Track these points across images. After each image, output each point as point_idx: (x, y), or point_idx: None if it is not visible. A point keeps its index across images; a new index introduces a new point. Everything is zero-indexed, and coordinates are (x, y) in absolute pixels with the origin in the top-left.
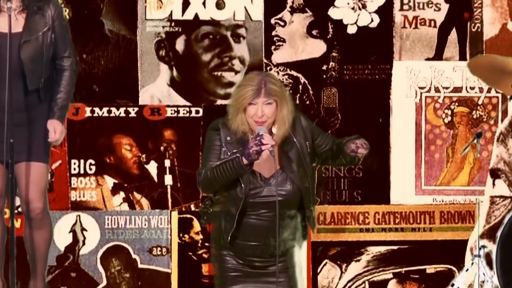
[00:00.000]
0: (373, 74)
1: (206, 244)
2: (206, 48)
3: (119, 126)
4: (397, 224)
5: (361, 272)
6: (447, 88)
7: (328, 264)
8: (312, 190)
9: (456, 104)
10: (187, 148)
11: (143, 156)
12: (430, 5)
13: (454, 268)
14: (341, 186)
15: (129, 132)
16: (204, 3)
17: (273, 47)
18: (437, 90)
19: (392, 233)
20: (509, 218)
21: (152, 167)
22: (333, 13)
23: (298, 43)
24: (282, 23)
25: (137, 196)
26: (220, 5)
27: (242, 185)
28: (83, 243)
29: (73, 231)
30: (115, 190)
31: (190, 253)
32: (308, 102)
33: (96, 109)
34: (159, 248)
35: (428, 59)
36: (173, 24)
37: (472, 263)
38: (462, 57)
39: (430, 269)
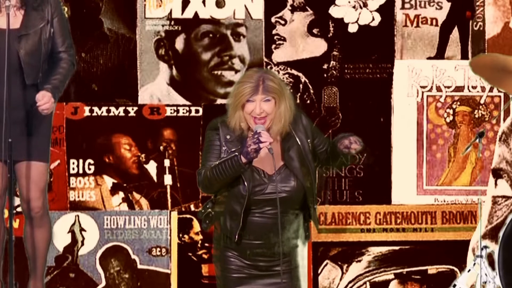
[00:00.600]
0: (374, 73)
1: (206, 244)
2: (206, 47)
3: (118, 126)
4: (398, 224)
5: (362, 273)
6: (449, 87)
7: (329, 265)
8: (314, 189)
9: (458, 103)
10: (187, 147)
11: (143, 155)
12: (431, 4)
13: (456, 269)
14: (342, 186)
15: (129, 132)
16: (204, 2)
17: (273, 46)
18: (438, 89)
19: (393, 233)
20: (511, 218)
21: (151, 167)
22: (334, 11)
23: (299, 42)
24: (283, 22)
25: (137, 196)
26: (220, 4)
27: (245, 183)
28: (82, 244)
29: (72, 231)
30: (114, 190)
31: (190, 254)
32: (308, 101)
33: (95, 109)
34: (158, 249)
35: (429, 58)
36: (172, 22)
37: (474, 264)
38: (464, 56)
39: (432, 269)
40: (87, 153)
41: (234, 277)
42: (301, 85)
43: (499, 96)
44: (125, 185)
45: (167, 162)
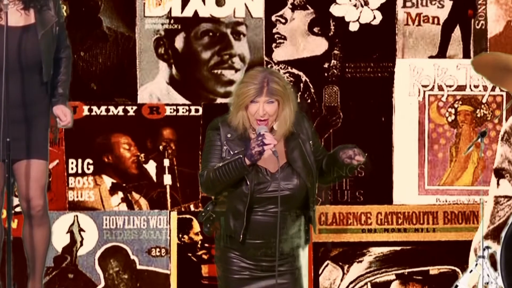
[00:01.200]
0: (376, 72)
1: (206, 245)
2: (206, 46)
3: (117, 125)
4: (400, 224)
5: (363, 273)
6: (450, 86)
7: (330, 265)
8: (314, 190)
9: (460, 102)
10: (187, 147)
11: (142, 155)
12: (433, 2)
13: (457, 269)
14: (343, 186)
15: (128, 131)
16: (203, 0)
17: (274, 45)
18: (440, 88)
19: (394, 233)
20: None
21: (151, 167)
22: (335, 10)
23: (299, 41)
24: (283, 20)
25: (136, 196)
26: (220, 2)
27: (248, 181)
28: (81, 244)
29: (70, 231)
30: (113, 190)
31: (190, 254)
32: (309, 101)
33: (94, 108)
34: (158, 249)
35: (431, 56)
36: (172, 21)
37: (476, 264)
38: (466, 55)
39: (434, 270)
40: (86, 153)
41: (236, 278)
42: (301, 84)
43: (501, 95)
44: (124, 185)
45: (166, 162)
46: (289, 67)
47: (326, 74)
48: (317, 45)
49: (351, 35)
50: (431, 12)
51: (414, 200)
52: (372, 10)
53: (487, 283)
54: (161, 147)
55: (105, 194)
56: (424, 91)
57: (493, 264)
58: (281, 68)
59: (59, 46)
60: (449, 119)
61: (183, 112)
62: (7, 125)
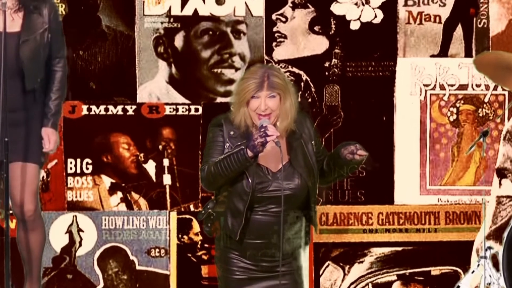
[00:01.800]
0: (377, 71)
1: (206, 245)
2: (206, 45)
3: (116, 125)
4: (401, 224)
5: (364, 274)
6: (452, 85)
7: (331, 266)
8: (315, 190)
9: (462, 102)
10: (186, 147)
11: (141, 155)
12: (435, 1)
13: (459, 270)
14: (344, 185)
15: (127, 131)
16: None
17: (274, 44)
18: (442, 87)
19: (396, 234)
20: None
21: (150, 167)
22: (336, 8)
23: (300, 40)
24: (284, 19)
25: (135, 196)
26: (220, 1)
27: (249, 179)
28: (80, 244)
29: (69, 232)
30: (112, 190)
31: (189, 255)
32: (310, 100)
33: (93, 107)
34: (157, 249)
35: (433, 55)
36: (171, 20)
37: (478, 265)
38: (468, 54)
39: (435, 270)
40: (85, 153)
41: (236, 278)
42: (302, 83)
43: (504, 95)
44: (123, 185)
45: (166, 162)
46: (289, 66)
47: (327, 73)
48: (318, 44)
49: (352, 34)
50: (433, 11)
51: (416, 200)
52: (373, 8)
53: (489, 283)
54: (160, 147)
55: (104, 194)
56: (426, 90)
57: (495, 265)
58: (281, 67)
59: (52, 54)
60: (451, 119)
61: (182, 111)
62: (5, 126)
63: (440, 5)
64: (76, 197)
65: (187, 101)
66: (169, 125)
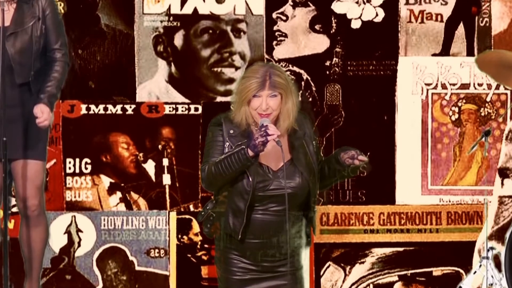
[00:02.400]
0: (378, 70)
1: (206, 245)
2: (206, 43)
3: (115, 124)
4: (402, 225)
5: (365, 275)
6: (454, 84)
7: (332, 267)
8: (315, 191)
9: (464, 101)
10: (186, 146)
11: (141, 154)
12: None
13: (461, 271)
14: (345, 185)
15: (126, 130)
16: None
17: (274, 42)
18: (444, 86)
19: (397, 234)
20: None
21: (149, 166)
22: (337, 7)
23: (301, 38)
24: (284, 18)
25: (134, 196)
26: None
27: (250, 178)
28: (79, 245)
29: (68, 232)
30: (111, 190)
31: (189, 255)
32: (310, 99)
33: (92, 106)
34: (157, 250)
35: (434, 54)
36: (171, 18)
37: (480, 265)
38: (470, 53)
39: (437, 271)
40: (83, 152)
41: (236, 279)
42: (303, 83)
43: (506, 94)
44: (122, 185)
45: (165, 161)
46: (290, 65)
47: (327, 72)
48: (319, 43)
49: (353, 33)
50: (434, 9)
51: (417, 200)
52: (374, 7)
53: (491, 284)
54: (160, 146)
55: (103, 194)
56: (427, 90)
57: (498, 265)
58: (282, 66)
59: (49, 46)
60: (453, 118)
61: (182, 110)
62: (3, 125)
63: (442, 4)
64: (75, 197)
65: (186, 100)
66: (169, 125)
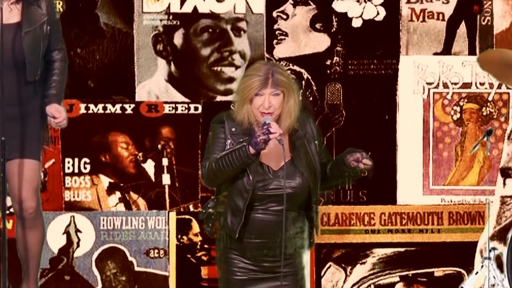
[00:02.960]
0: (379, 69)
1: (206, 246)
2: (206, 42)
3: (115, 124)
4: (404, 225)
5: (366, 275)
6: (456, 83)
7: (332, 267)
8: (316, 191)
9: (465, 100)
10: (186, 146)
11: (140, 154)
12: None
13: (463, 271)
14: (346, 185)
15: (126, 130)
16: None
17: (275, 41)
18: (445, 86)
19: (398, 234)
20: None
21: (149, 166)
22: (338, 5)
23: (301, 37)
24: (285, 16)
25: (134, 196)
26: None
27: (250, 176)
28: (78, 245)
29: (67, 232)
30: (110, 190)
31: (189, 256)
32: (311, 98)
33: (91, 106)
34: (156, 250)
35: (436, 53)
36: (171, 17)
37: (482, 266)
38: (472, 52)
39: (438, 272)
40: (82, 152)
41: (237, 279)
42: (303, 82)
43: (508, 93)
44: (122, 184)
45: (165, 161)
46: (290, 64)
47: (328, 71)
48: (319, 42)
49: (354, 32)
50: (436, 8)
51: (419, 200)
52: (375, 5)
53: (493, 285)
54: (159, 146)
55: (102, 194)
56: (429, 89)
57: (500, 266)
58: (282, 65)
59: (51, 47)
60: (454, 117)
61: (182, 110)
62: (1, 125)
63: (443, 2)
64: (73, 197)
65: (186, 100)
66: (168, 124)
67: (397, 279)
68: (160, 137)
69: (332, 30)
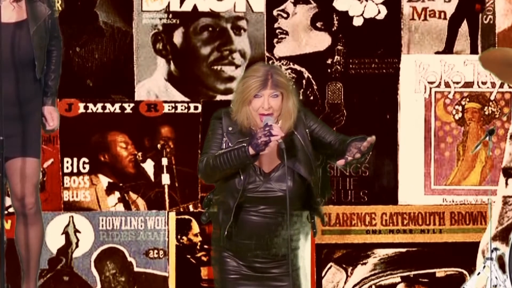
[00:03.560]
0: (380, 68)
1: (205, 246)
2: (205, 41)
3: (114, 123)
4: (405, 225)
5: (367, 276)
6: (457, 83)
7: (333, 268)
8: (317, 190)
9: (467, 99)
10: (185, 145)
11: (139, 154)
12: None
13: (465, 272)
14: (347, 185)
15: (125, 129)
16: None
17: (275, 40)
18: (447, 85)
19: (400, 234)
20: None
21: (148, 166)
22: (338, 4)
23: (302, 36)
24: (285, 15)
25: (133, 196)
26: None
27: (241, 176)
28: (77, 246)
29: (65, 232)
30: (110, 190)
31: (188, 256)
32: (312, 98)
33: (90, 105)
34: (156, 251)
35: (437, 52)
36: (170, 16)
37: (484, 266)
38: (474, 51)
39: (440, 272)
40: (81, 152)
41: (231, 278)
42: (304, 81)
43: (510, 92)
44: (121, 184)
45: (164, 161)
46: (291, 63)
47: (329, 70)
48: (320, 41)
49: (355, 30)
50: (438, 7)
51: (420, 200)
52: (376, 4)
53: (496, 285)
54: (159, 146)
55: (102, 194)
56: (430, 88)
57: (502, 266)
58: (283, 64)
59: (49, 38)
60: (456, 117)
61: (181, 109)
62: (1, 124)
63: (445, 1)
64: (72, 197)
65: (186, 99)
66: (168, 124)
67: (399, 279)
68: (160, 136)
69: (333, 29)
